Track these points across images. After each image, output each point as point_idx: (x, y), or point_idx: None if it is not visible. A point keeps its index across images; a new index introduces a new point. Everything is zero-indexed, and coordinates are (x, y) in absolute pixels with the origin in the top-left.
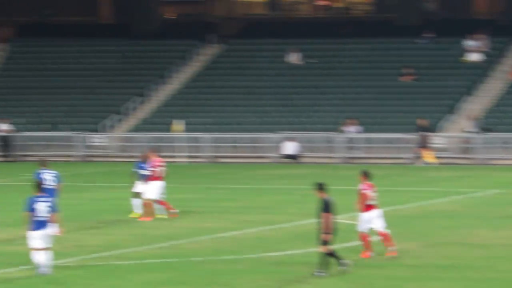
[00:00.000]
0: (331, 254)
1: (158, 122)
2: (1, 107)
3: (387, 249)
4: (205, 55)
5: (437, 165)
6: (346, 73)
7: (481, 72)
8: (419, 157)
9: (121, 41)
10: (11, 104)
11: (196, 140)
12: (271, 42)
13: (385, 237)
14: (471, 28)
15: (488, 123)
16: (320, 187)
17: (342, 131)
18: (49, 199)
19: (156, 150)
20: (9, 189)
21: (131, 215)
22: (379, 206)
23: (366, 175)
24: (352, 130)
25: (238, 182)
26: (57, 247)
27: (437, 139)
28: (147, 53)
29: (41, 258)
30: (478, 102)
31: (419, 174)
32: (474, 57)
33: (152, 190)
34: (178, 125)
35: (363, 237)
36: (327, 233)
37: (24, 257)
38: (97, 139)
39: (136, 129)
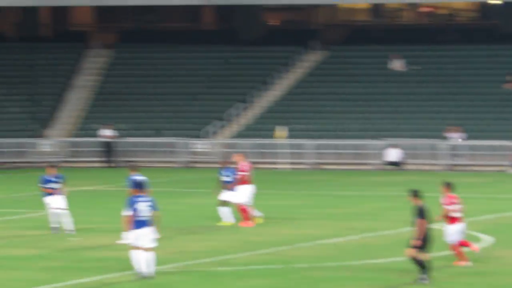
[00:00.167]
0: (418, 261)
1: (261, 128)
2: (105, 113)
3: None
4: (308, 61)
5: None
6: (450, 79)
7: None
8: None
9: (224, 47)
10: (114, 110)
11: (299, 146)
12: (374, 48)
13: (458, 250)
14: None
15: None
16: (415, 194)
17: (445, 138)
18: (149, 198)
19: (244, 154)
20: (111, 195)
21: (219, 223)
22: (469, 215)
23: (448, 186)
24: (455, 137)
25: (341, 188)
26: (160, 253)
27: None
28: (250, 59)
29: (142, 257)
30: None
31: None
32: None
33: (242, 194)
34: (281, 132)
35: (454, 247)
36: (418, 239)
37: (125, 263)
38: (200, 145)
39: (239, 135)
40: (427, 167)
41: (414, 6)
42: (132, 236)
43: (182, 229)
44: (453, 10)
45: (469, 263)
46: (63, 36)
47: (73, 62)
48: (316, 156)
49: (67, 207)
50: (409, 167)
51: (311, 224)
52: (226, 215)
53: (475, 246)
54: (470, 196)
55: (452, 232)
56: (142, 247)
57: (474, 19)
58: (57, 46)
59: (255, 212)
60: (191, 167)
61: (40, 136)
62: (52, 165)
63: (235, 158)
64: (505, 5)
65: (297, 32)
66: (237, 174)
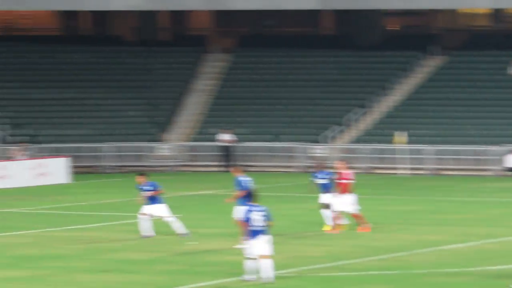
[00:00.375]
0: None
1: (379, 133)
2: (223, 117)
3: None
4: (427, 66)
5: None
6: None
7: None
8: None
9: (342, 52)
10: (233, 115)
11: (418, 152)
12: (493, 54)
13: None
14: None
15: None
16: None
17: None
18: (263, 208)
19: (346, 161)
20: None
21: (323, 228)
22: None
23: None
24: None
25: (460, 194)
26: (278, 258)
27: None
28: (369, 64)
29: (257, 265)
30: None
31: None
32: None
33: (346, 203)
34: (400, 137)
35: None
36: None
37: (241, 267)
38: (318, 150)
39: (358, 140)
40: None
41: None
42: (248, 245)
43: (299, 234)
44: None
45: None
46: (182, 40)
47: (191, 67)
48: (436, 162)
49: (170, 214)
50: None
51: (430, 229)
52: (329, 219)
53: None
54: None
55: None
56: (256, 255)
57: None
58: (175, 50)
59: (343, 220)
60: (309, 172)
61: (158, 140)
62: (142, 173)
63: (337, 165)
64: None
65: (416, 37)
66: (335, 179)
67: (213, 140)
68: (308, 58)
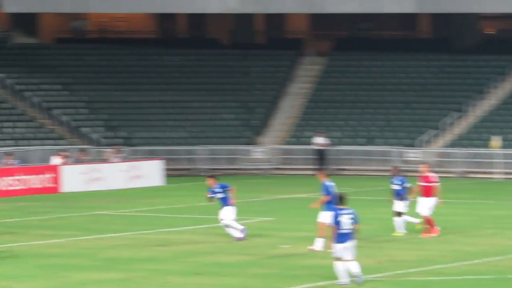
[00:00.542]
0: None
1: (475, 138)
2: (317, 120)
3: None
4: None
5: None
6: None
7: None
8: None
9: (439, 56)
10: (327, 118)
11: None
12: None
13: None
14: None
15: None
16: None
17: None
18: (351, 211)
19: (430, 165)
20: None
21: (394, 234)
22: None
23: None
24: None
25: None
26: (371, 262)
27: None
28: (466, 68)
29: (346, 268)
30: None
31: None
32: None
33: (425, 206)
34: (496, 141)
35: None
36: None
37: (330, 270)
38: (412, 154)
39: (453, 144)
40: None
41: None
42: (336, 249)
43: (392, 238)
44: None
45: None
46: (278, 43)
47: (287, 70)
48: None
49: (233, 218)
50: None
51: None
52: (400, 226)
53: None
54: None
55: None
56: (345, 258)
57: None
58: (271, 53)
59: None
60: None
61: (253, 143)
62: (212, 175)
63: (422, 169)
64: None
65: None
66: (408, 187)
67: (307, 144)
68: (405, 61)
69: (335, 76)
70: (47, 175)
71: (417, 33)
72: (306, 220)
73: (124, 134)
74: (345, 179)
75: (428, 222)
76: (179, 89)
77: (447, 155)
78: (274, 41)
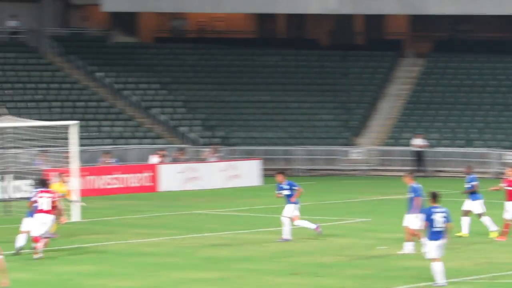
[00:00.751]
0: None
1: None
2: (416, 122)
3: None
4: None
5: None
6: None
7: None
8: None
9: None
10: (426, 120)
11: None
12: None
13: None
14: None
15: None
16: None
17: None
18: (444, 209)
19: None
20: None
21: (458, 234)
22: None
23: None
24: None
25: None
26: (468, 264)
27: None
28: None
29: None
30: None
31: None
32: None
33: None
34: None
35: None
36: None
37: (426, 271)
38: (510, 156)
39: None
40: None
41: None
42: (429, 247)
43: (488, 240)
44: None
45: None
46: (377, 45)
47: (386, 71)
48: None
49: (293, 216)
50: None
51: None
52: (465, 226)
53: None
54: None
55: None
56: (437, 257)
57: None
58: (370, 55)
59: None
60: (501, 178)
61: (351, 144)
62: (281, 171)
63: (508, 172)
64: None
65: None
66: (477, 185)
67: (405, 145)
68: (504, 63)
69: (434, 78)
70: (145, 174)
71: None
72: (402, 222)
73: (222, 133)
74: (443, 181)
75: (506, 226)
76: (278, 89)
77: None
78: (373, 42)
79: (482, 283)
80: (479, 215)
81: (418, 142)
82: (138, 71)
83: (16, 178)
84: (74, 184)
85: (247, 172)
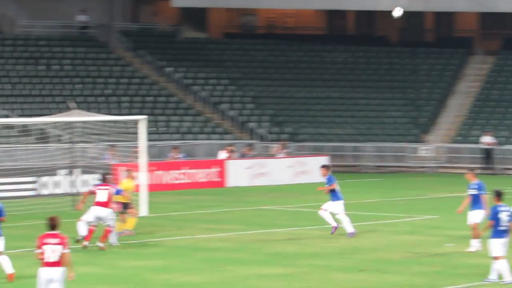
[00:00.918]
0: None
1: None
2: (485, 119)
3: None
4: None
5: None
6: None
7: None
8: None
9: None
10: (495, 117)
11: None
12: None
13: None
14: None
15: None
16: None
17: None
18: (508, 208)
19: None
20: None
21: None
22: None
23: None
24: None
25: None
26: None
27: None
28: None
29: (503, 266)
30: None
31: None
32: None
33: None
34: None
35: None
36: None
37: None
38: None
39: None
40: None
41: None
42: (493, 246)
43: None
44: None
45: None
46: (446, 42)
47: (455, 68)
48: None
49: (342, 211)
50: None
51: None
52: None
53: None
54: None
55: None
56: (502, 256)
57: None
58: (440, 52)
59: None
60: None
61: (420, 141)
62: (323, 165)
63: None
64: None
65: None
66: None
67: (474, 142)
68: None
69: (504, 75)
70: (213, 169)
71: None
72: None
73: (290, 129)
74: (510, 179)
75: None
76: (346, 86)
77: None
78: (443, 39)
79: None
80: None
81: (487, 139)
82: (208, 66)
83: (84, 172)
84: (142, 179)
85: (315, 168)
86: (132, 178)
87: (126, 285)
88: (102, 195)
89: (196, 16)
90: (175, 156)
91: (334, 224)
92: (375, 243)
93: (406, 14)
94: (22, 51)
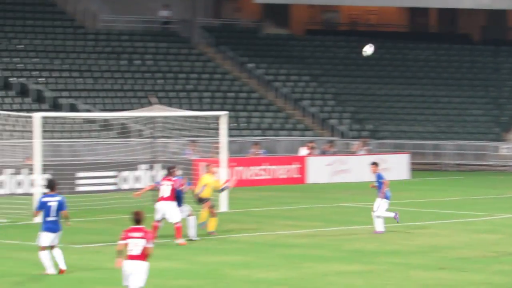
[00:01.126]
0: None
1: None
2: None
3: None
4: None
5: None
6: None
7: None
8: None
9: None
10: None
11: None
12: None
13: None
14: None
15: None
16: None
17: None
18: None
19: None
20: None
21: None
22: None
23: None
24: None
25: None
26: None
27: None
28: None
29: None
30: None
31: None
32: None
33: None
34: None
35: None
36: None
37: None
38: None
39: None
40: None
41: None
42: None
43: None
44: None
45: None
46: None
47: None
48: None
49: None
50: None
51: None
52: None
53: None
54: None
55: None
56: None
57: None
58: None
59: None
60: None
61: (501, 139)
62: (374, 162)
63: None
64: None
65: None
66: None
67: None
68: None
69: None
70: (293, 166)
71: None
72: None
73: (371, 127)
74: None
75: None
76: (428, 84)
77: None
78: None
79: None
80: None
81: None
82: (289, 63)
83: (164, 167)
84: (222, 174)
85: (395, 165)
86: (212, 173)
87: (205, 280)
88: (165, 190)
89: (278, 13)
90: (256, 152)
91: (391, 214)
92: (455, 241)
93: (489, 12)
94: (104, 46)
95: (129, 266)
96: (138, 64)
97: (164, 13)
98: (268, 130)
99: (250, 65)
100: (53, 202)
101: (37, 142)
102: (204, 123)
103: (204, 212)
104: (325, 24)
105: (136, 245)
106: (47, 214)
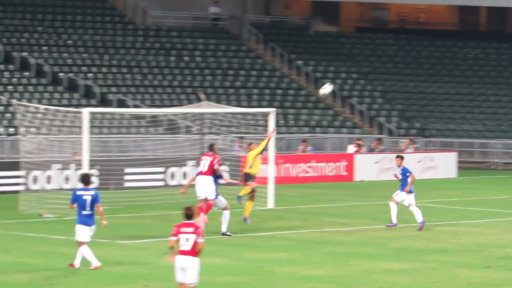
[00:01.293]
0: None
1: None
2: None
3: None
4: None
5: None
6: None
7: None
8: None
9: None
10: None
11: None
12: None
13: None
14: None
15: None
16: None
17: None
18: None
19: None
20: None
21: None
22: None
23: None
24: None
25: None
26: None
27: None
28: None
29: None
30: None
31: None
32: None
33: None
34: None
35: None
36: None
37: None
38: None
39: None
40: None
41: None
42: None
43: None
44: None
45: None
46: None
47: None
48: None
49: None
50: None
51: None
52: None
53: None
54: None
55: None
56: None
57: None
58: None
59: None
60: None
61: None
62: (399, 156)
63: None
64: None
65: None
66: None
67: None
68: None
69: None
70: (341, 163)
71: None
72: None
73: (419, 125)
74: None
75: None
76: (477, 82)
77: None
78: None
79: None
80: None
81: None
82: (338, 60)
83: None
84: (270, 171)
85: (443, 164)
86: (254, 149)
87: (252, 277)
88: (204, 164)
89: (328, 10)
90: (304, 149)
91: (394, 221)
92: (502, 240)
93: None
94: (153, 42)
95: (180, 262)
96: (187, 60)
97: (213, 9)
98: (316, 127)
99: (299, 62)
100: (87, 196)
101: (85, 137)
102: (252, 120)
103: (246, 188)
104: (375, 22)
105: (187, 240)
106: (82, 208)
